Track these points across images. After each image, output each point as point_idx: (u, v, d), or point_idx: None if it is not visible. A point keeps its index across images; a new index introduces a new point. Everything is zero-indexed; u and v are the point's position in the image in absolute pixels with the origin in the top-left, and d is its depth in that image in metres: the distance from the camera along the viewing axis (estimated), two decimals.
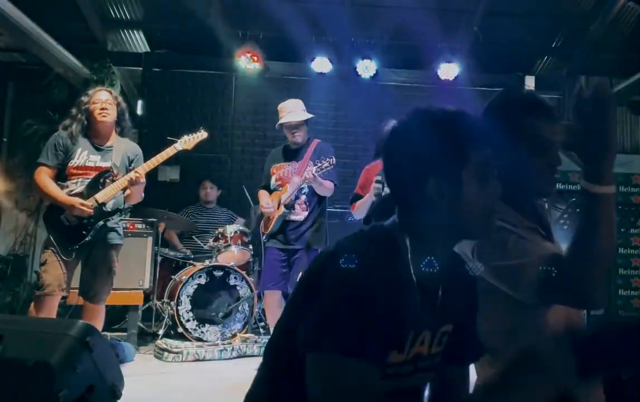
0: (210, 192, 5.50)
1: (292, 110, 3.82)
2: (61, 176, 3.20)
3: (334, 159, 3.52)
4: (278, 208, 3.72)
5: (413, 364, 1.05)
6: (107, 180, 3.20)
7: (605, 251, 1.15)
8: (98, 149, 3.27)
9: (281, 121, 3.83)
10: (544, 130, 1.39)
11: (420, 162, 1.02)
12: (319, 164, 3.51)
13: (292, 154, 3.87)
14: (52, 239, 3.12)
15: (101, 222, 3.16)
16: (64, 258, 3.09)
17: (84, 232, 3.11)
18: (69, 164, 3.20)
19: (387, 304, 0.95)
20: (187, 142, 3.49)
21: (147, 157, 3.40)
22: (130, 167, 3.30)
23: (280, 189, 3.77)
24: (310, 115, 3.83)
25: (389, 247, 1.03)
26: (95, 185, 3.17)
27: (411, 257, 1.03)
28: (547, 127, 1.39)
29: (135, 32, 6.33)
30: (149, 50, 6.41)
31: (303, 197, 3.71)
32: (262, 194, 3.87)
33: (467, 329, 1.16)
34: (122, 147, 3.33)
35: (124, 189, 3.25)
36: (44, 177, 3.15)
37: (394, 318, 0.97)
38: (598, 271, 1.18)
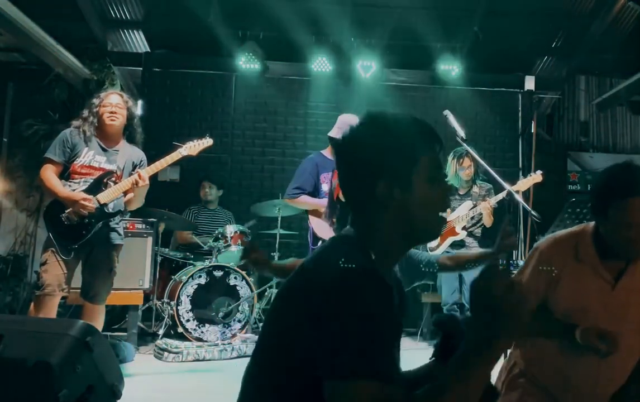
0: (210, 192, 5.50)
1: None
2: (65, 174, 3.20)
3: None
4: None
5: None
6: (110, 182, 3.20)
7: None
8: (104, 150, 3.28)
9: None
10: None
11: (369, 166, 1.04)
12: None
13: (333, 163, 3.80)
14: (51, 238, 3.11)
15: (101, 223, 3.16)
16: (64, 257, 3.08)
17: (84, 231, 3.11)
18: (75, 163, 3.20)
19: (392, 312, 0.94)
20: (192, 148, 3.49)
21: (147, 157, 3.41)
22: (133, 172, 3.30)
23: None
24: None
25: (366, 257, 1.02)
26: (98, 186, 3.17)
27: (384, 260, 1.04)
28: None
29: (135, 32, 6.32)
30: (149, 50, 6.40)
31: None
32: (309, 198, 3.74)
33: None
34: (128, 151, 3.34)
35: (125, 193, 3.25)
36: (49, 172, 3.16)
37: (397, 328, 0.98)
38: None
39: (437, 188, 1.07)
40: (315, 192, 3.76)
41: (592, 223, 1.76)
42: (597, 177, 1.74)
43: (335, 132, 3.72)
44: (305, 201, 3.72)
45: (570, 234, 1.79)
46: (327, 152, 3.87)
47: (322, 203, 3.54)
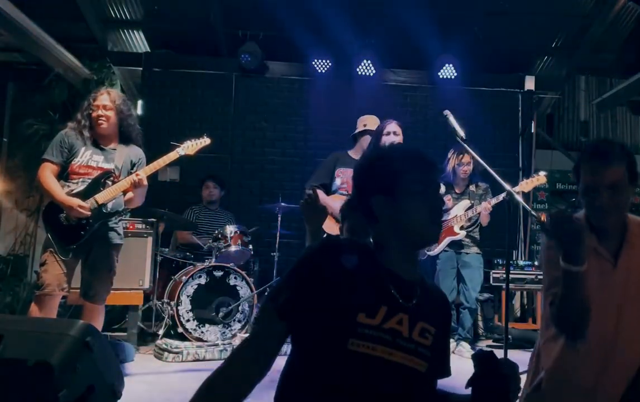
0: (214, 191, 5.48)
1: (370, 123, 3.98)
2: (64, 174, 3.21)
3: None
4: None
5: (390, 335, 1.21)
6: (108, 182, 3.20)
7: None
8: (102, 149, 3.27)
9: (360, 130, 3.99)
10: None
11: (363, 187, 1.36)
12: None
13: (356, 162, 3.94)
14: (50, 238, 3.12)
15: (99, 223, 3.16)
16: (62, 258, 3.09)
17: (82, 232, 3.11)
18: (72, 163, 3.20)
19: (353, 271, 1.22)
20: (189, 147, 3.48)
21: (147, 157, 3.41)
22: (133, 171, 3.30)
23: (346, 193, 3.81)
24: None
25: (366, 245, 1.34)
26: (95, 186, 3.17)
27: (382, 254, 1.30)
28: None
29: (135, 32, 6.33)
30: (149, 50, 6.40)
31: None
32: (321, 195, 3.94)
33: (443, 342, 1.36)
34: (126, 150, 3.33)
35: (125, 192, 3.26)
36: (47, 173, 3.16)
37: (362, 286, 1.22)
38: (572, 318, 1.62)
39: (424, 201, 1.28)
40: (329, 185, 3.94)
41: (584, 210, 1.83)
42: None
43: (359, 128, 4.00)
44: None
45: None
46: (353, 152, 4.02)
47: (330, 202, 3.61)
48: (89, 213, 3.08)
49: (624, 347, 1.72)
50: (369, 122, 4.00)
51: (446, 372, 1.38)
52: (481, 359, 1.17)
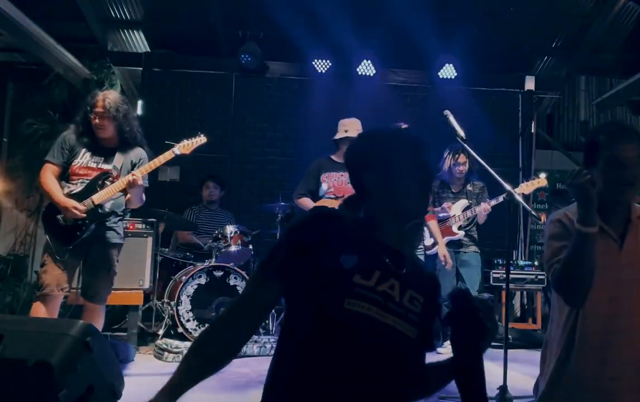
0: (214, 191, 5.48)
1: (351, 129, 4.14)
2: (65, 175, 3.23)
3: None
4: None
5: (382, 298, 1.25)
6: (107, 182, 3.21)
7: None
8: (102, 151, 3.28)
9: (340, 136, 4.15)
10: None
11: (356, 165, 1.43)
12: None
13: (340, 165, 4.08)
14: (48, 239, 3.15)
15: (96, 223, 3.17)
16: (60, 258, 3.10)
17: (77, 232, 3.13)
18: (73, 164, 3.23)
19: (347, 237, 1.30)
20: (185, 146, 3.48)
21: (148, 157, 3.41)
22: (132, 170, 3.30)
23: (333, 197, 4.00)
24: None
25: (358, 217, 1.42)
26: (93, 187, 3.18)
27: (375, 222, 1.37)
28: None
29: (135, 32, 6.33)
30: (149, 50, 6.40)
31: None
32: (309, 202, 4.14)
33: (430, 315, 1.39)
34: (126, 150, 3.34)
35: (124, 192, 3.26)
36: (48, 175, 3.20)
37: (356, 250, 1.28)
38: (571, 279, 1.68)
39: (414, 176, 1.36)
40: (315, 191, 4.16)
41: None
42: (588, 135, 1.94)
43: (340, 135, 4.15)
44: (305, 204, 4.16)
45: (569, 207, 1.84)
46: (335, 156, 4.19)
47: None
48: (84, 215, 3.10)
49: (626, 328, 1.72)
50: (350, 127, 4.12)
51: (430, 346, 1.42)
52: (457, 298, 1.24)
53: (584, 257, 1.63)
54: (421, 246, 4.20)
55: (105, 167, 3.25)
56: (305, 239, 1.26)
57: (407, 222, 1.40)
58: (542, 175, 4.37)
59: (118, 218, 3.33)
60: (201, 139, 3.55)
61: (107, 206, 3.22)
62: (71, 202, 3.09)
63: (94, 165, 3.24)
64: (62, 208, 3.09)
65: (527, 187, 4.38)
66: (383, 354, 1.21)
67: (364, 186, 1.39)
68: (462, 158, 4.67)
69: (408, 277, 1.32)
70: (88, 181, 3.19)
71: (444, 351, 4.57)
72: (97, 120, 3.21)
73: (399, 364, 1.24)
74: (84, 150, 3.24)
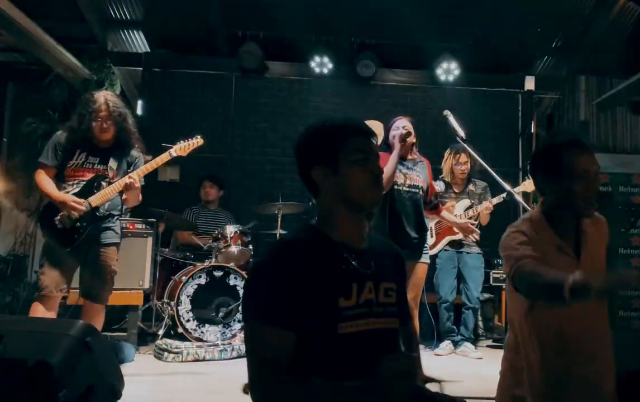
0: (210, 191, 5.48)
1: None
2: (60, 177, 3.22)
3: None
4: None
5: (367, 307, 1.30)
6: (103, 183, 3.21)
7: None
8: (98, 151, 3.27)
9: None
10: None
11: (305, 160, 1.39)
12: None
13: None
14: (46, 241, 3.16)
15: (93, 225, 3.17)
16: (60, 260, 3.11)
17: (75, 235, 3.13)
18: (68, 165, 3.21)
19: (317, 263, 1.28)
20: (182, 148, 3.47)
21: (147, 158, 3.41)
22: (129, 171, 3.30)
23: None
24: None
25: (311, 227, 1.38)
26: (89, 188, 3.18)
27: (331, 226, 1.35)
28: None
29: (135, 32, 6.33)
30: (149, 50, 6.40)
31: None
32: None
33: (402, 292, 1.46)
34: (122, 151, 3.34)
35: (121, 192, 3.26)
36: (43, 176, 3.19)
37: (329, 271, 1.28)
38: None
39: (364, 167, 1.33)
40: None
41: (536, 208, 1.86)
42: (542, 141, 1.89)
43: None
44: None
45: (523, 222, 1.83)
46: None
47: None
48: (84, 208, 3.10)
49: (595, 340, 1.73)
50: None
51: (405, 317, 1.47)
52: (419, 399, 1.31)
53: (552, 300, 1.59)
54: (425, 245, 4.14)
55: (102, 168, 3.24)
56: (288, 281, 1.24)
57: (360, 212, 1.38)
58: None
59: (115, 218, 3.33)
60: (198, 141, 3.54)
61: (104, 208, 3.22)
62: (70, 197, 3.09)
63: (89, 166, 3.24)
64: (61, 203, 3.08)
65: (530, 185, 4.38)
66: (376, 357, 1.25)
67: (314, 181, 1.38)
68: (463, 158, 4.67)
69: (377, 271, 1.36)
70: (84, 182, 3.19)
71: (443, 352, 4.58)
72: (101, 123, 3.21)
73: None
74: (78, 151, 3.23)
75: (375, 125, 3.99)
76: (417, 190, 3.41)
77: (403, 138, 3.33)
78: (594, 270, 1.75)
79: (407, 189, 3.38)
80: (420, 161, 3.54)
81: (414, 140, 3.49)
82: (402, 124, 3.48)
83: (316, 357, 1.25)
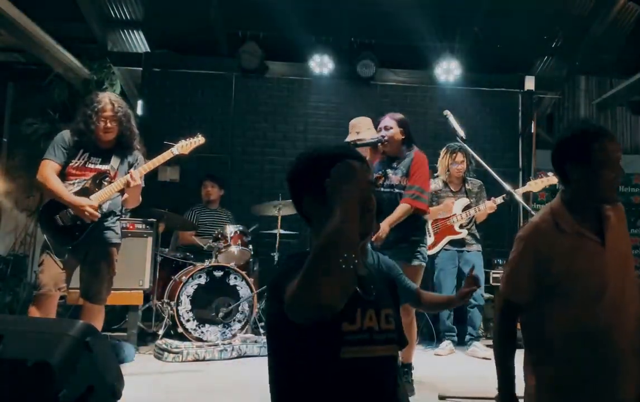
0: (211, 190, 5.49)
1: (362, 128, 3.66)
2: (61, 175, 3.21)
3: None
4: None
5: (369, 334, 1.31)
6: (104, 182, 3.21)
7: None
8: (100, 151, 3.27)
9: (352, 139, 3.58)
10: None
11: (295, 189, 1.40)
12: None
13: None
14: (46, 239, 3.14)
15: (94, 224, 3.16)
16: (59, 258, 3.10)
17: (77, 233, 3.12)
18: (70, 164, 3.21)
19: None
20: (183, 147, 3.49)
21: (147, 158, 3.41)
22: (130, 171, 3.30)
23: None
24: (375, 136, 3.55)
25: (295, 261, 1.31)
26: (90, 187, 3.18)
27: None
28: None
29: (135, 32, 6.33)
30: (149, 50, 6.41)
31: None
32: None
33: (398, 316, 1.46)
34: (123, 151, 3.34)
35: (122, 192, 3.26)
36: (50, 172, 3.15)
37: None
38: None
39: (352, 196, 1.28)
40: None
41: (556, 198, 1.89)
42: (564, 131, 1.94)
43: (351, 137, 3.64)
44: None
45: (545, 213, 1.85)
46: None
47: None
48: (99, 215, 3.10)
49: (625, 320, 1.71)
50: (360, 127, 3.68)
51: (404, 342, 1.46)
52: None
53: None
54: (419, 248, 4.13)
55: (103, 167, 3.25)
56: None
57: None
58: (551, 173, 4.36)
59: (116, 218, 3.33)
60: (199, 140, 3.55)
61: (105, 206, 3.22)
62: (87, 201, 3.07)
63: (91, 166, 3.24)
64: (76, 207, 3.07)
65: (535, 185, 4.36)
66: (375, 384, 1.31)
67: (305, 211, 1.38)
68: (459, 157, 4.67)
69: (377, 297, 1.37)
70: (85, 181, 3.19)
71: (443, 352, 4.58)
72: (105, 123, 3.21)
73: (388, 385, 1.37)
74: (81, 150, 3.23)
75: (363, 122, 3.79)
76: (393, 189, 3.33)
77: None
78: (621, 252, 1.78)
79: (386, 189, 3.32)
80: (406, 157, 3.39)
81: (387, 147, 3.37)
82: (382, 125, 3.41)
83: (314, 381, 1.26)
